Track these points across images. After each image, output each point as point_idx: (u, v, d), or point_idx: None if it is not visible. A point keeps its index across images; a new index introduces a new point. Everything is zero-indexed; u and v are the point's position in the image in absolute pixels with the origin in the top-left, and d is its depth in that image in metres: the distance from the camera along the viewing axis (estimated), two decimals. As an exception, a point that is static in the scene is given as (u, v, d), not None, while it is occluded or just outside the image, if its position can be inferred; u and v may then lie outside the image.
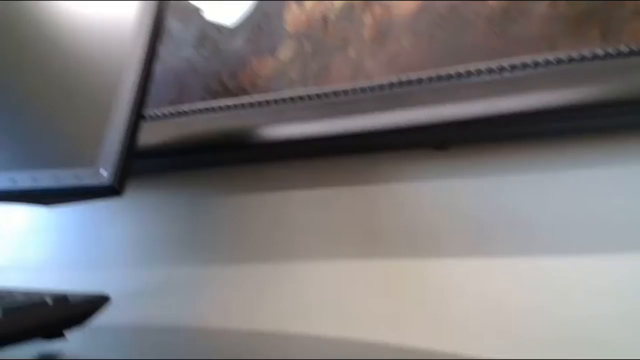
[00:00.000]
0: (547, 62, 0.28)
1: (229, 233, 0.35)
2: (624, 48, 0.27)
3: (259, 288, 0.34)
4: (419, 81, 0.30)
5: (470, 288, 0.29)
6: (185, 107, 0.35)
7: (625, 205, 0.28)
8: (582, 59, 0.27)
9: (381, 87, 0.31)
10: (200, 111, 0.35)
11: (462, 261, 0.30)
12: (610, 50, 0.27)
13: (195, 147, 0.34)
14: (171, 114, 0.36)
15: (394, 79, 0.31)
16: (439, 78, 0.30)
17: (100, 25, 0.30)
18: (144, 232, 0.38)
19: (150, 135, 0.34)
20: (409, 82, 0.30)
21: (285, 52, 0.35)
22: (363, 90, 0.31)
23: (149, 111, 0.35)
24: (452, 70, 0.30)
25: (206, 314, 0.35)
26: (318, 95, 0.32)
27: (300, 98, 0.33)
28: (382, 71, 0.32)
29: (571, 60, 0.27)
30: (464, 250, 0.30)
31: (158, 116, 0.36)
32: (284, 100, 0.33)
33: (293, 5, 0.36)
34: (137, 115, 0.26)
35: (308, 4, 0.36)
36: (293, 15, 0.36)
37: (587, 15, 0.29)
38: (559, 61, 0.28)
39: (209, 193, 0.37)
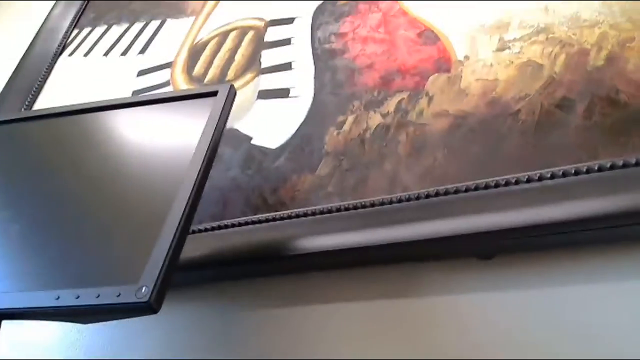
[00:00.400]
0: (588, 170, 0.26)
1: (264, 346, 0.32)
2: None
3: None
4: (455, 191, 0.30)
5: None
6: (227, 221, 0.37)
7: None
8: (624, 165, 0.26)
9: (417, 197, 0.30)
10: (240, 224, 0.36)
11: None
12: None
13: (234, 259, 0.34)
14: (212, 227, 0.37)
15: (430, 189, 0.30)
16: (475, 188, 0.29)
17: (163, 149, 0.34)
18: (176, 345, 0.36)
19: (192, 248, 0.35)
20: (445, 193, 0.30)
21: (324, 168, 0.37)
22: (399, 200, 0.31)
23: (192, 227, 0.37)
24: (487, 180, 0.29)
25: None
26: (354, 207, 0.32)
27: (337, 209, 0.33)
28: (417, 183, 0.32)
29: (613, 167, 0.26)
30: None
31: (200, 230, 0.37)
32: (321, 212, 0.33)
33: (333, 129, 0.39)
34: (184, 232, 0.27)
35: (347, 127, 0.39)
36: (332, 137, 0.39)
37: (623, 123, 0.28)
38: (601, 168, 0.26)
39: (248, 305, 0.35)
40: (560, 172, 0.27)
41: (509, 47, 0.36)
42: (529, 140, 0.30)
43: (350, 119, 0.39)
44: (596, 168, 0.27)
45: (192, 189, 0.29)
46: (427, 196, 0.30)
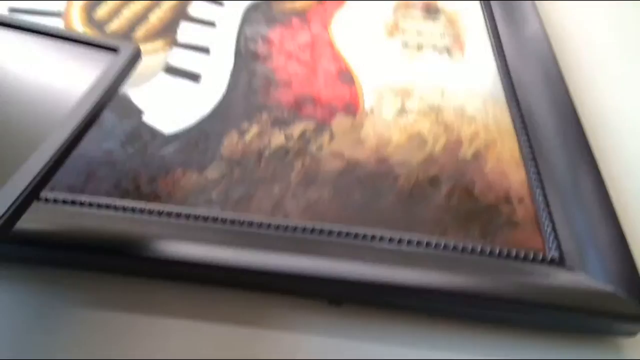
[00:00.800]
0: (437, 245, 0.32)
1: (83, 346, 0.29)
2: (493, 249, 0.32)
3: None
4: (331, 232, 0.32)
5: None
6: (86, 198, 0.32)
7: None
8: (464, 249, 0.32)
9: (295, 228, 0.32)
10: (100, 206, 0.32)
11: None
12: (484, 248, 0.32)
13: (80, 243, 0.30)
14: (66, 201, 0.32)
15: (308, 224, 0.32)
16: (348, 235, 0.32)
17: (40, 87, 0.28)
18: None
19: (33, 218, 0.30)
20: (321, 231, 0.32)
21: (213, 172, 0.36)
22: (277, 227, 0.32)
23: (43, 193, 0.32)
24: (361, 230, 0.32)
25: None
26: (232, 221, 0.32)
27: (214, 219, 0.32)
28: (300, 214, 0.33)
29: (455, 248, 0.32)
30: None
31: (49, 200, 0.32)
32: (196, 217, 0.32)
33: (234, 133, 0.38)
34: (36, 190, 0.23)
35: (248, 136, 0.38)
36: (231, 142, 0.38)
37: (472, 214, 0.34)
38: (445, 246, 0.32)
39: (80, 299, 0.31)
40: (415, 241, 0.32)
41: (407, 115, 0.41)
42: (401, 203, 0.35)
43: (255, 129, 0.39)
44: (442, 245, 0.32)
45: (63, 143, 0.25)
46: (304, 230, 0.32)
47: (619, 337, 0.31)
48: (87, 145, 0.35)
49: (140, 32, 0.45)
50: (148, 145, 0.37)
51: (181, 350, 0.29)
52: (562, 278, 0.31)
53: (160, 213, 0.32)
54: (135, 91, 0.40)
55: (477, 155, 0.38)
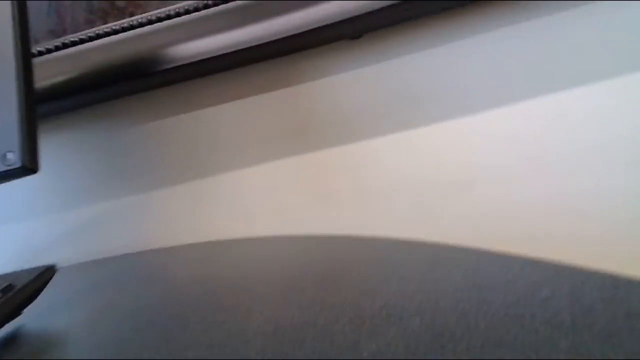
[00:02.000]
0: None
1: (158, 157, 0.34)
2: None
3: (196, 203, 0.34)
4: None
5: (391, 162, 0.32)
6: (72, 37, 0.30)
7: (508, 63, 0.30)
8: None
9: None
10: (91, 38, 0.30)
11: (374, 140, 0.31)
12: None
13: (99, 81, 0.30)
14: (57, 47, 0.30)
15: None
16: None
17: None
18: (68, 173, 0.35)
19: (44, 75, 0.29)
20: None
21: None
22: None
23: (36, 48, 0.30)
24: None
25: (151, 237, 0.34)
26: (224, 0, 0.29)
27: (206, 6, 0.29)
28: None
29: None
30: (375, 130, 0.32)
31: (42, 52, 0.31)
32: (187, 10, 0.29)
33: None
34: (28, 88, 0.22)
35: None
36: None
37: None
38: None
39: (126, 122, 0.34)
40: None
41: None
42: None
43: None
44: None
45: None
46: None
47: None
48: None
49: None
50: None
51: (236, 126, 0.33)
52: None
53: (150, 21, 0.30)
54: None
55: None
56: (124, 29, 0.30)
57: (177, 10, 0.29)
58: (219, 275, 0.22)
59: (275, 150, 0.33)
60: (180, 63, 0.29)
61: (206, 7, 0.29)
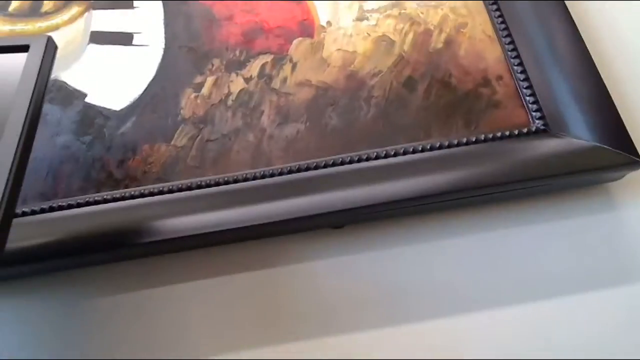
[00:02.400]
0: (422, 149, 0.31)
1: (120, 331, 0.30)
2: (478, 137, 0.31)
3: None
4: (316, 167, 0.31)
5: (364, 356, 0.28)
6: (62, 201, 0.31)
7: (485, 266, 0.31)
8: (449, 145, 0.31)
9: (280, 172, 0.31)
10: (80, 204, 0.31)
11: (357, 335, 0.29)
12: (468, 139, 0.31)
13: (75, 247, 0.29)
14: (43, 209, 0.31)
15: (293, 164, 0.31)
16: (334, 164, 0.31)
17: None
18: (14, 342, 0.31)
19: (17, 237, 0.29)
20: (306, 169, 0.31)
21: (181, 138, 0.34)
22: (263, 176, 0.31)
23: (19, 208, 0.30)
24: (345, 156, 0.31)
25: None
26: (217, 183, 0.31)
27: (198, 186, 0.31)
28: (281, 157, 0.32)
29: (441, 147, 0.31)
30: (358, 323, 0.29)
31: (27, 213, 0.31)
32: (180, 188, 0.31)
33: (189, 90, 0.35)
34: (7, 216, 0.22)
35: (205, 90, 0.35)
36: (190, 101, 0.35)
37: (453, 106, 0.33)
38: (431, 148, 0.31)
39: (91, 293, 0.31)
40: (401, 150, 0.31)
41: (367, 18, 0.37)
42: (379, 116, 0.33)
43: (210, 80, 0.36)
44: (428, 147, 0.31)
45: (13, 161, 0.23)
46: (290, 171, 0.31)
47: (607, 184, 0.33)
48: (40, 147, 0.33)
49: (47, 4, 0.39)
50: (103, 128, 0.34)
51: (204, 307, 0.30)
52: (549, 145, 0.31)
53: (143, 194, 0.31)
54: (68, 73, 0.36)
55: (449, 42, 0.36)
56: (115, 199, 0.31)
57: (169, 187, 0.31)
58: None
59: (249, 336, 0.30)
60: (165, 237, 0.29)
61: (199, 187, 0.31)
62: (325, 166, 0.31)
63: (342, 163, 0.31)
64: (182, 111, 0.34)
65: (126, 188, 0.31)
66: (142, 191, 0.31)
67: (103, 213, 0.30)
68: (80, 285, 0.32)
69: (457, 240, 0.32)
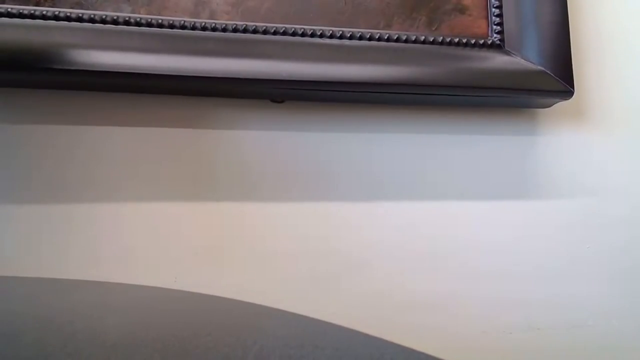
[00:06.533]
0: (380, 38, 0.30)
1: (30, 166, 0.29)
2: (436, 38, 0.31)
3: (71, 230, 0.29)
4: (266, 31, 0.29)
5: (281, 227, 0.31)
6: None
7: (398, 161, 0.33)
8: (406, 40, 0.30)
9: (224, 28, 0.28)
10: (8, 15, 0.26)
11: (278, 204, 0.31)
12: (427, 37, 0.30)
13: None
14: None
15: (240, 23, 0.28)
16: (285, 32, 0.29)
17: None
18: None
19: None
20: (255, 31, 0.28)
21: (112, -40, 0.28)
22: (203, 27, 0.28)
23: None
24: (299, 27, 0.29)
25: (11, 257, 0.28)
26: (148, 23, 0.27)
27: (126, 22, 0.27)
28: (228, 11, 0.29)
29: (398, 39, 0.30)
30: (280, 195, 0.31)
31: None
32: (104, 20, 0.27)
33: None
34: None
35: None
36: None
37: (420, 1, 0.32)
38: (389, 38, 0.30)
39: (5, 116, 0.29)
40: (358, 35, 0.30)
41: None
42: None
43: None
44: (386, 37, 0.30)
45: None
46: (235, 30, 0.28)
47: (536, 109, 0.35)
48: None
49: None
50: None
51: (123, 154, 0.29)
52: (499, 60, 0.32)
53: (68, 18, 0.27)
54: None
55: None
56: (32, 15, 0.26)
57: (90, 15, 0.27)
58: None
59: (169, 190, 0.30)
60: (87, 68, 0.26)
61: (127, 23, 0.27)
62: (274, 33, 0.29)
63: (294, 34, 0.29)
64: None
65: (37, 6, 0.27)
66: (56, 13, 0.27)
67: (17, 27, 0.26)
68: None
69: (389, 135, 0.33)
